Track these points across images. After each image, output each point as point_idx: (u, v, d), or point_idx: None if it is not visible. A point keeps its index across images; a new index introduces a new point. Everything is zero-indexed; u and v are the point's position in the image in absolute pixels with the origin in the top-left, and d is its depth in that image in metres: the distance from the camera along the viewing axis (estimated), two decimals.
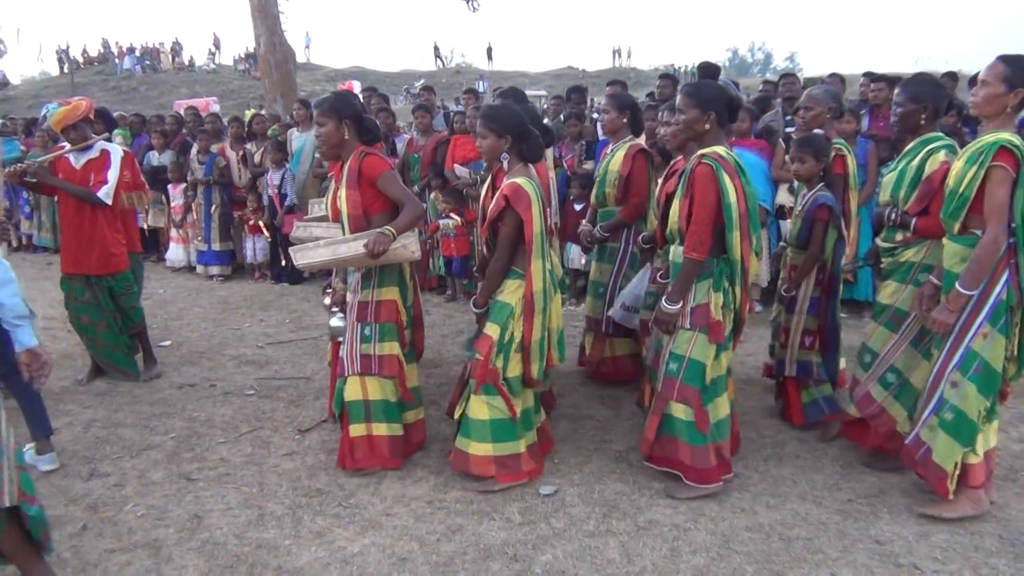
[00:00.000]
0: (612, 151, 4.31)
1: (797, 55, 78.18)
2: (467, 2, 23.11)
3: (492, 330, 3.71)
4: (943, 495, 3.37)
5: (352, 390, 3.92)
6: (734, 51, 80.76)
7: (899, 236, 3.75)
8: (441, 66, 50.06)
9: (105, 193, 5.15)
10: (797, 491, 3.70)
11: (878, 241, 3.92)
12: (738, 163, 3.53)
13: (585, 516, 3.50)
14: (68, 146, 5.19)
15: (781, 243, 4.64)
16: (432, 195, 7.42)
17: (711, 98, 3.55)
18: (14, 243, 10.70)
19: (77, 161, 5.18)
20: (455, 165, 7.25)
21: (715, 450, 3.63)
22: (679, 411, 3.60)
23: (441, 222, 7.21)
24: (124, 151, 5.38)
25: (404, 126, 8.95)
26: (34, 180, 5.05)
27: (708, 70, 7.21)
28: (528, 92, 26.51)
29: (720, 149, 3.52)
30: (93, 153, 5.20)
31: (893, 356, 3.72)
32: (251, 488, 3.82)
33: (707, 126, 3.55)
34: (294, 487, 3.82)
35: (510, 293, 3.72)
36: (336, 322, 4.40)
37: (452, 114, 8.44)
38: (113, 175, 5.20)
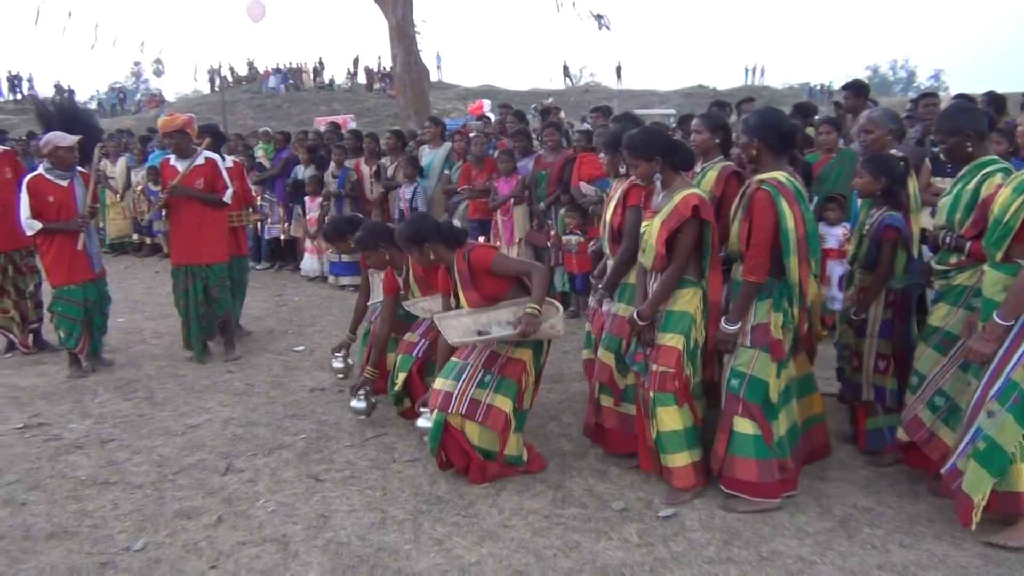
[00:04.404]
0: (703, 171, 4.25)
1: (943, 73, 74.48)
2: (598, 21, 23.21)
3: (675, 340, 3.75)
4: (964, 524, 3.31)
5: (457, 423, 3.96)
6: (874, 68, 77.76)
7: (953, 259, 3.73)
8: (570, 84, 50.34)
9: (228, 196, 6.18)
10: (934, 531, 3.50)
11: (932, 263, 3.87)
12: (798, 189, 3.59)
13: (705, 542, 3.42)
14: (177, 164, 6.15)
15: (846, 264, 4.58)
16: (562, 211, 7.47)
17: (756, 126, 3.65)
18: (165, 249, 11.44)
19: (182, 167, 6.03)
20: (580, 183, 7.26)
21: (778, 465, 3.63)
22: (745, 426, 3.62)
23: (565, 238, 7.26)
24: (234, 161, 6.28)
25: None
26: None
27: (859, 88, 7.01)
28: (657, 111, 26.35)
29: (779, 175, 3.58)
30: (199, 160, 6.08)
31: (941, 379, 3.67)
32: (375, 492, 3.93)
33: (754, 151, 3.66)
34: (415, 493, 3.90)
35: (687, 301, 3.77)
36: (356, 404, 4.72)
37: (574, 133, 8.47)
38: (229, 180, 6.24)
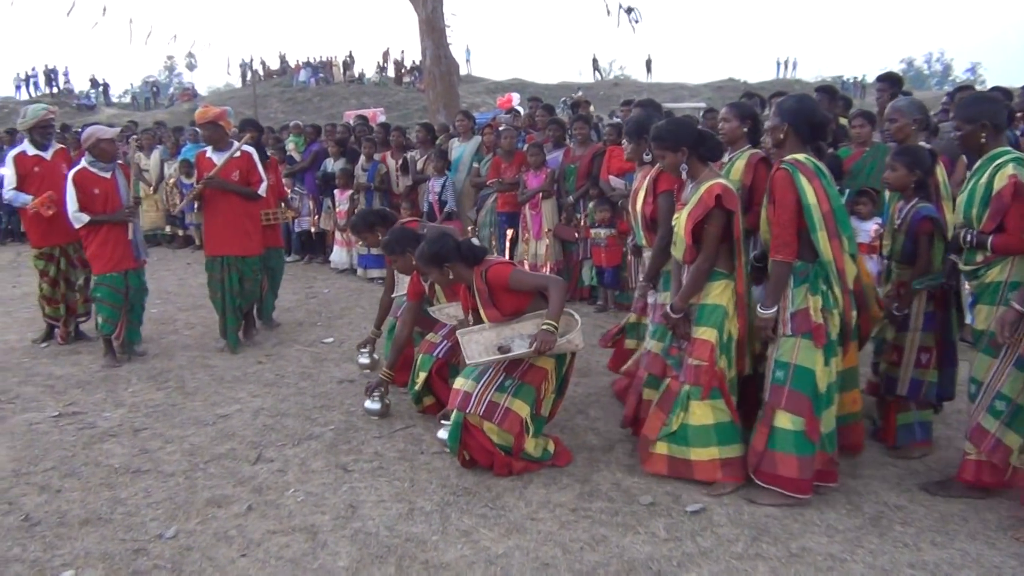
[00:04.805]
0: (731, 160, 4.21)
1: (980, 66, 73.12)
2: (627, 14, 23.07)
3: (709, 334, 3.73)
4: None
5: (474, 423, 3.97)
6: (909, 61, 76.57)
7: (979, 257, 3.61)
8: (599, 78, 50.14)
9: (263, 189, 6.32)
10: (967, 530, 3.45)
11: (959, 265, 3.78)
12: (818, 166, 3.55)
13: (733, 537, 3.40)
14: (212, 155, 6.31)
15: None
16: (591, 205, 7.45)
17: (790, 110, 3.65)
18: (197, 241, 11.59)
19: (218, 159, 6.16)
20: (610, 176, 7.24)
21: (822, 460, 3.59)
22: (785, 421, 3.56)
23: (594, 231, 7.26)
24: (269, 156, 6.30)
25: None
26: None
27: (893, 81, 6.93)
28: (687, 104, 26.16)
29: (799, 155, 3.56)
30: (235, 153, 6.17)
31: (999, 382, 3.51)
32: (403, 483, 3.95)
33: (781, 135, 3.65)
34: (443, 485, 3.92)
35: (719, 294, 3.76)
36: (371, 404, 4.78)
37: (604, 126, 8.44)
38: (264, 174, 6.39)
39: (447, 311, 4.70)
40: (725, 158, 4.23)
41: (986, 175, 3.54)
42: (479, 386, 3.96)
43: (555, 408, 4.28)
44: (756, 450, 3.68)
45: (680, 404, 3.79)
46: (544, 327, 3.80)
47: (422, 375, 4.68)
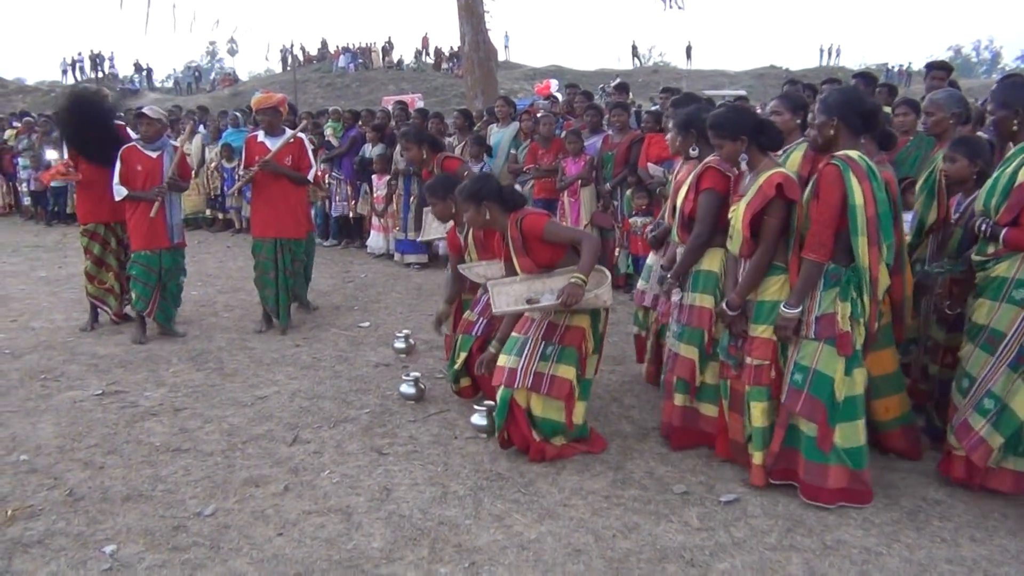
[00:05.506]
0: (786, 153, 4.11)
1: None
2: (668, 0, 22.84)
3: (769, 332, 3.60)
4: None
5: (522, 399, 3.98)
6: (956, 49, 74.90)
7: (991, 249, 3.48)
8: (638, 65, 49.77)
9: (312, 175, 6.56)
10: (1007, 527, 3.39)
11: (972, 255, 3.63)
12: (871, 168, 3.37)
13: (767, 528, 3.38)
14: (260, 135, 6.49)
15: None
16: (628, 192, 7.42)
17: (837, 103, 3.49)
18: (237, 224, 11.73)
19: (271, 143, 6.32)
20: (648, 164, 7.19)
21: (844, 474, 3.47)
22: (802, 424, 3.50)
23: (632, 219, 7.22)
24: (295, 138, 6.41)
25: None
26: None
27: (944, 69, 6.81)
28: (727, 92, 25.90)
29: (852, 152, 3.39)
30: (289, 138, 6.34)
31: (991, 380, 3.42)
32: (436, 467, 3.98)
33: (831, 131, 3.49)
34: (476, 469, 3.94)
35: (777, 290, 3.61)
36: (406, 388, 4.84)
37: (644, 113, 8.38)
38: (313, 160, 6.61)
39: (476, 270, 4.69)
40: (780, 154, 4.14)
41: (1012, 165, 3.41)
42: (522, 360, 3.96)
43: (595, 367, 4.25)
44: (772, 451, 3.62)
45: (745, 406, 3.72)
46: (573, 280, 3.77)
47: (462, 355, 4.70)
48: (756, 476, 3.70)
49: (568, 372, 3.94)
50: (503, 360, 4.05)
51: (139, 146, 6.09)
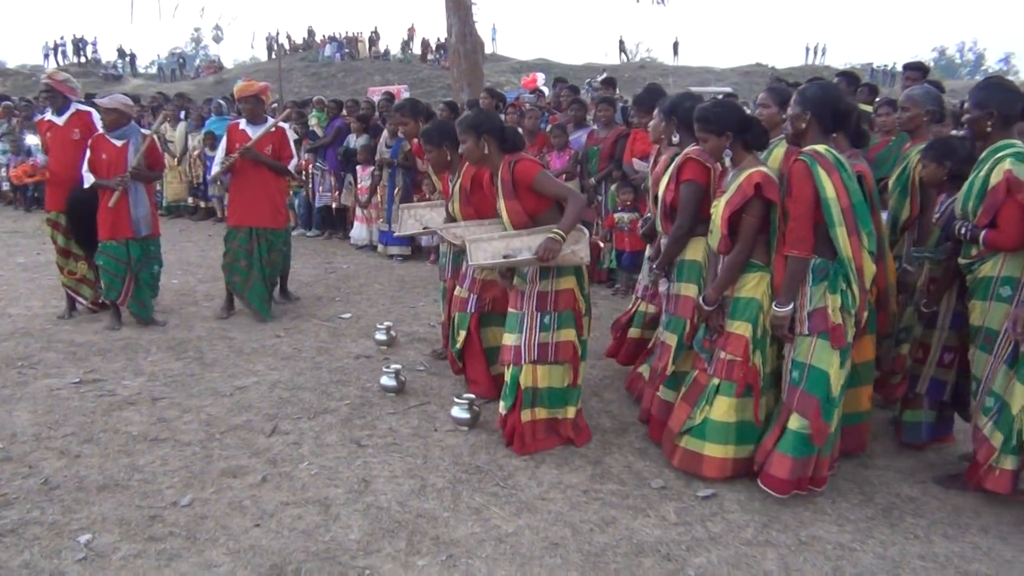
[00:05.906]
0: (768, 148, 4.12)
1: (1013, 56, 71.93)
2: None
3: (743, 328, 3.62)
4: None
5: (527, 378, 4.01)
6: (940, 51, 75.48)
7: (973, 251, 3.54)
8: (625, 60, 49.77)
9: (293, 166, 6.55)
10: (979, 524, 3.44)
11: (959, 259, 3.69)
12: (838, 159, 3.42)
13: (744, 523, 3.40)
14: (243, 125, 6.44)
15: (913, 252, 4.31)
16: (613, 187, 7.42)
17: (813, 98, 3.52)
18: (219, 213, 11.65)
19: (252, 131, 6.31)
20: (633, 159, 7.20)
21: (816, 463, 3.53)
22: (794, 422, 3.49)
23: (617, 215, 7.23)
24: (296, 131, 6.31)
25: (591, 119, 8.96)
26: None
27: (918, 68, 6.86)
28: (713, 89, 25.92)
29: (820, 147, 3.45)
30: (270, 127, 6.33)
31: (991, 379, 3.48)
32: (415, 459, 3.98)
33: (803, 125, 3.53)
34: (455, 462, 3.94)
35: (753, 287, 3.64)
36: (387, 381, 4.82)
37: (630, 108, 8.38)
38: (295, 151, 6.59)
39: (454, 231, 4.65)
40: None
41: (985, 168, 3.46)
42: (523, 335, 4.01)
43: (588, 328, 4.29)
44: (765, 448, 3.62)
45: (706, 398, 3.72)
46: (551, 235, 3.77)
47: (462, 333, 4.70)
48: (710, 468, 3.71)
49: (569, 334, 4.03)
50: (507, 339, 4.09)
51: (106, 135, 6.02)
